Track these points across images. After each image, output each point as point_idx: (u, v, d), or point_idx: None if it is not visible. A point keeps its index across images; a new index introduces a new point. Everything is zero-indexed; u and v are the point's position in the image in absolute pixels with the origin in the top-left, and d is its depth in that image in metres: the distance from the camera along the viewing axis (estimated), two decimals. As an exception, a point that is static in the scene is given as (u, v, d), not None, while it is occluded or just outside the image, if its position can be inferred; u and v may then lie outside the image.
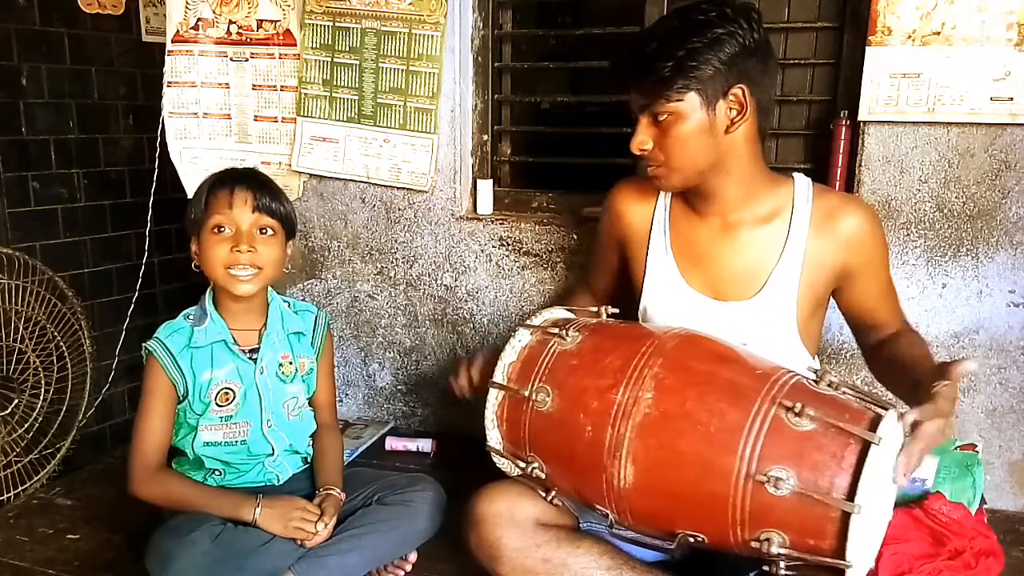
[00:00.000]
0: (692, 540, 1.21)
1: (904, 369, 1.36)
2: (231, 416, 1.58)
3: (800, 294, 1.42)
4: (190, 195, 2.23)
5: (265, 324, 1.62)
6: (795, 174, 1.48)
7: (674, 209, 1.52)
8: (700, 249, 1.48)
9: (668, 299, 1.50)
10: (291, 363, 1.64)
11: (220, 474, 1.61)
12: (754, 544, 1.14)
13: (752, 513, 1.13)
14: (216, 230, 1.52)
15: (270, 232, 1.55)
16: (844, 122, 1.82)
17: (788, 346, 1.44)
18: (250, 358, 1.59)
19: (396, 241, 2.23)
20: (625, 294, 1.57)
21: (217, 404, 1.57)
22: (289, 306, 1.68)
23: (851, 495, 1.07)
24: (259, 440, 1.60)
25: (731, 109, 1.34)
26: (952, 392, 1.18)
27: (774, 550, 1.12)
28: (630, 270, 1.59)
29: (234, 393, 1.57)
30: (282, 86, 2.20)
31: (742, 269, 1.45)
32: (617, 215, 1.60)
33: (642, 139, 1.39)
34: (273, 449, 1.62)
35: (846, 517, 1.07)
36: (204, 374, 1.55)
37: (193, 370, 1.55)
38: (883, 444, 1.08)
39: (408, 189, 2.17)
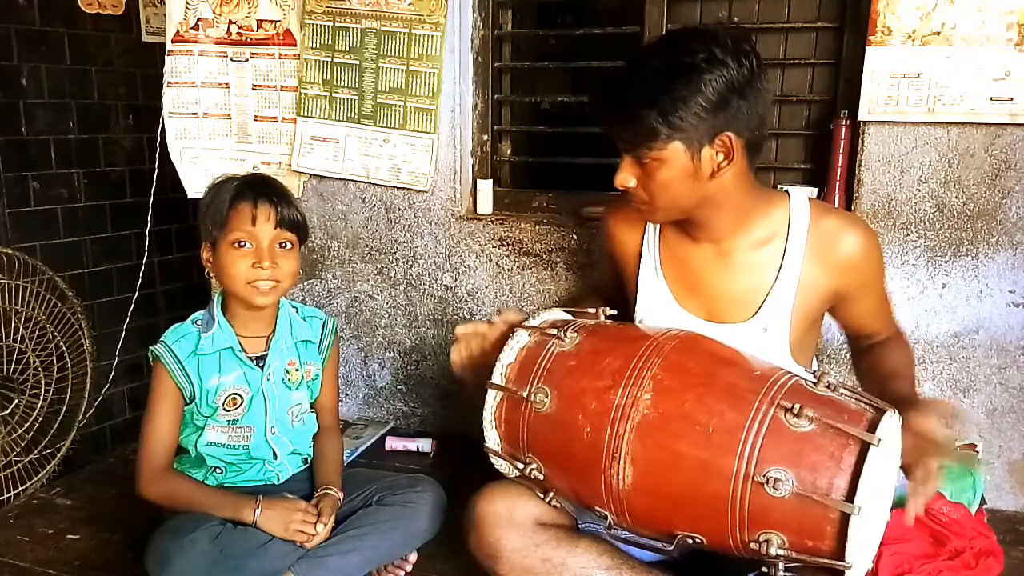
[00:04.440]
0: (691, 541, 1.21)
1: (883, 382, 1.37)
2: (238, 420, 1.58)
3: (794, 317, 1.40)
4: (190, 195, 2.25)
5: (274, 331, 1.61)
6: (791, 191, 1.44)
7: (665, 231, 1.50)
8: (694, 273, 1.46)
9: (661, 320, 1.48)
10: (297, 370, 1.64)
11: (221, 472, 1.61)
12: (753, 545, 1.14)
13: (751, 514, 1.13)
14: (237, 245, 1.50)
15: (289, 246, 1.55)
16: (844, 122, 1.82)
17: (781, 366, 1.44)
18: (257, 365, 1.59)
19: (396, 241, 2.24)
20: (627, 305, 1.56)
21: (225, 409, 1.57)
22: (297, 312, 1.67)
23: (850, 496, 1.07)
24: (262, 445, 1.61)
25: (717, 154, 1.28)
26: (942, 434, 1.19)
27: (773, 551, 1.12)
28: (624, 288, 1.58)
29: (242, 398, 1.58)
30: (282, 86, 2.20)
31: (737, 293, 1.42)
32: (608, 236, 1.59)
33: (625, 177, 1.34)
34: (275, 454, 1.62)
35: (845, 518, 1.07)
36: (211, 379, 1.55)
37: (200, 376, 1.55)
38: (882, 445, 1.08)
39: (408, 189, 2.17)
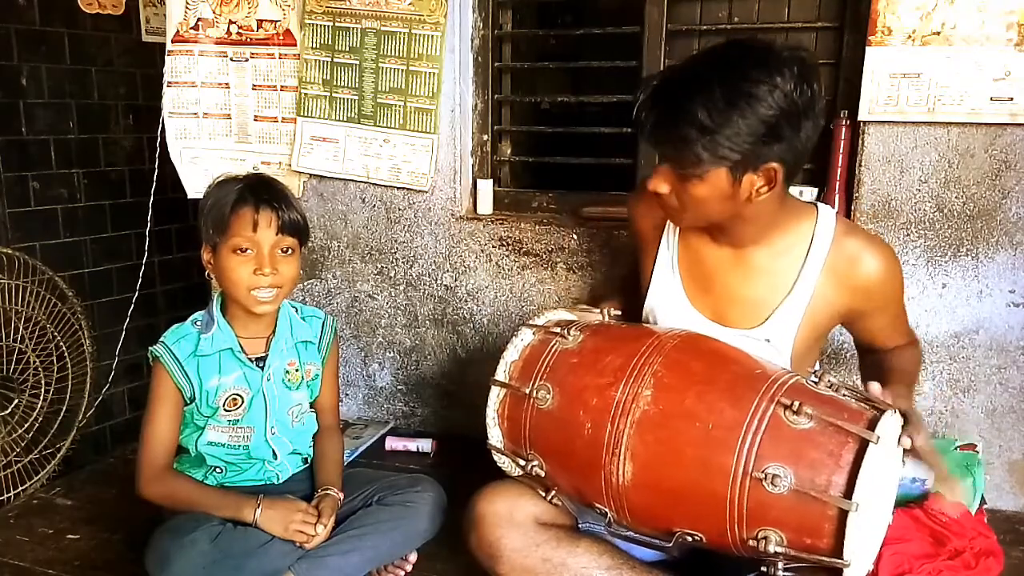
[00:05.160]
0: (690, 539, 1.21)
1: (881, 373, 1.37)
2: (238, 420, 1.58)
3: (800, 331, 1.39)
4: (190, 195, 2.25)
5: (274, 332, 1.61)
6: (820, 205, 1.42)
7: (686, 228, 1.48)
8: (709, 271, 1.45)
9: (670, 314, 1.48)
10: (297, 370, 1.64)
11: (221, 471, 1.61)
12: (752, 543, 1.14)
13: (750, 511, 1.13)
14: (238, 251, 1.50)
15: (290, 251, 1.54)
16: (844, 122, 1.82)
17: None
18: (257, 365, 1.59)
19: (396, 241, 2.23)
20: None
21: (225, 409, 1.56)
22: (297, 312, 1.67)
23: (848, 493, 1.07)
24: (262, 446, 1.61)
25: (759, 179, 1.25)
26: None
27: (771, 548, 1.12)
28: (640, 273, 1.58)
29: (242, 399, 1.57)
30: (282, 86, 2.20)
31: (749, 298, 1.42)
32: (631, 221, 1.59)
33: (659, 184, 1.30)
34: (275, 453, 1.62)
35: (843, 515, 1.07)
36: (211, 380, 1.55)
37: (200, 377, 1.54)
38: (881, 443, 1.08)
39: (408, 189, 2.17)
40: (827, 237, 1.37)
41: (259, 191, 1.52)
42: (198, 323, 1.59)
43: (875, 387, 1.20)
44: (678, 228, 1.49)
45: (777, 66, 1.18)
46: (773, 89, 1.17)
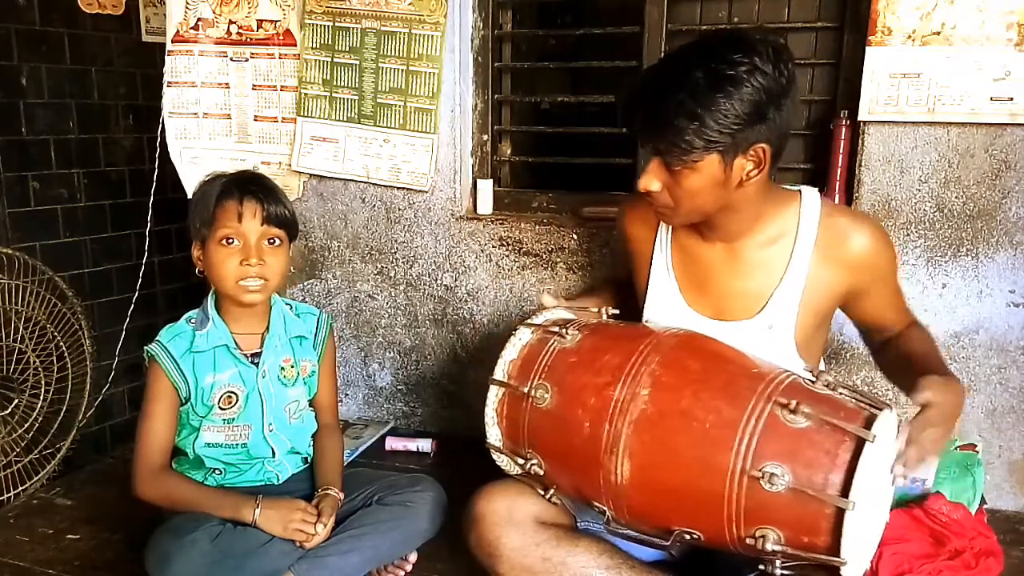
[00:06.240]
0: (688, 537, 1.21)
1: (909, 367, 1.35)
2: (234, 419, 1.58)
3: (800, 314, 1.40)
4: (190, 195, 2.24)
5: (267, 328, 1.61)
6: (803, 189, 1.43)
7: (677, 230, 1.49)
8: (703, 271, 1.46)
9: (669, 318, 1.48)
10: (293, 367, 1.64)
11: (220, 473, 1.61)
12: (749, 541, 1.14)
13: (747, 509, 1.13)
14: (224, 242, 1.50)
15: (277, 242, 1.55)
16: (844, 122, 1.82)
17: (786, 363, 1.43)
18: (252, 362, 1.59)
19: (396, 241, 2.23)
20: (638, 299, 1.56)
21: (220, 407, 1.57)
22: (291, 309, 1.68)
23: (845, 492, 1.07)
24: (260, 443, 1.61)
25: (749, 162, 1.27)
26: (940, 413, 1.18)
27: (769, 547, 1.12)
28: (635, 283, 1.58)
29: (237, 396, 1.57)
30: (282, 86, 2.20)
31: (743, 290, 1.42)
32: (622, 233, 1.59)
33: (649, 181, 1.32)
34: (274, 452, 1.62)
35: (840, 513, 1.07)
36: (207, 378, 1.55)
37: (195, 374, 1.55)
38: (878, 442, 1.08)
39: (408, 189, 2.17)
40: (814, 218, 1.38)
41: (244, 184, 1.54)
42: (193, 320, 1.59)
43: (922, 396, 1.18)
44: (670, 232, 1.50)
45: (753, 48, 1.21)
46: (753, 70, 1.20)
